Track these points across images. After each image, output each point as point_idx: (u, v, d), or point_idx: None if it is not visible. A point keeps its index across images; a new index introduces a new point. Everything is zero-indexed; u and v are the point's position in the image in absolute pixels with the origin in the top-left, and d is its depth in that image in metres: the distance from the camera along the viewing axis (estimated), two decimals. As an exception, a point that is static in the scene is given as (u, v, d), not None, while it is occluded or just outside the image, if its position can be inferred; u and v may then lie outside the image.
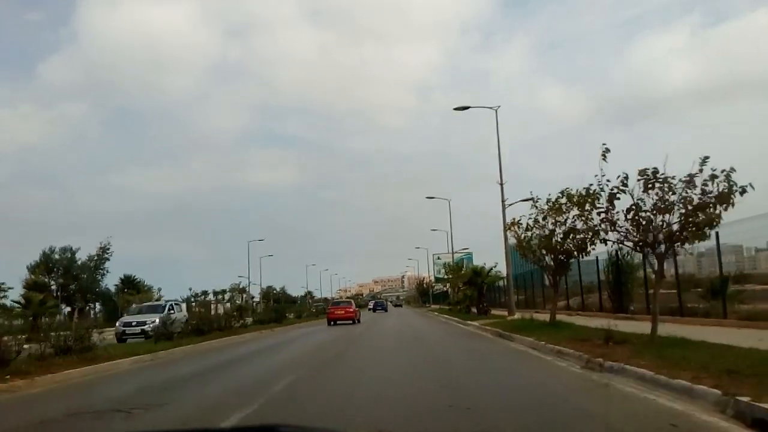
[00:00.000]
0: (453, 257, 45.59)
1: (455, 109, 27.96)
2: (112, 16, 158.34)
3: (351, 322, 33.30)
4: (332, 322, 33.17)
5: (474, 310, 29.30)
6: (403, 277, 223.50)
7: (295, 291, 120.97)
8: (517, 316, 23.85)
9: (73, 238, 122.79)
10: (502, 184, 25.68)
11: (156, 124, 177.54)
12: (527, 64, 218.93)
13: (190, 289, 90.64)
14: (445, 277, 50.86)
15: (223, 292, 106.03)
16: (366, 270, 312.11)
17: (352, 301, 40.76)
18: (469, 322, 24.63)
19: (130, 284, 65.87)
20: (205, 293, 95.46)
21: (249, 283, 67.97)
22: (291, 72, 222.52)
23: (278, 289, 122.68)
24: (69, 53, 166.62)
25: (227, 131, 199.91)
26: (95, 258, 64.87)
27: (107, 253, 65.52)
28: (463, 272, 35.69)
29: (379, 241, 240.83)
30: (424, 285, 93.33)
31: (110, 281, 66.05)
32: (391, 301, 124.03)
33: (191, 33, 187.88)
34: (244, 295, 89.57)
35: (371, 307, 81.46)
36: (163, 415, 6.68)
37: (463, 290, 32.37)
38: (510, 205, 25.10)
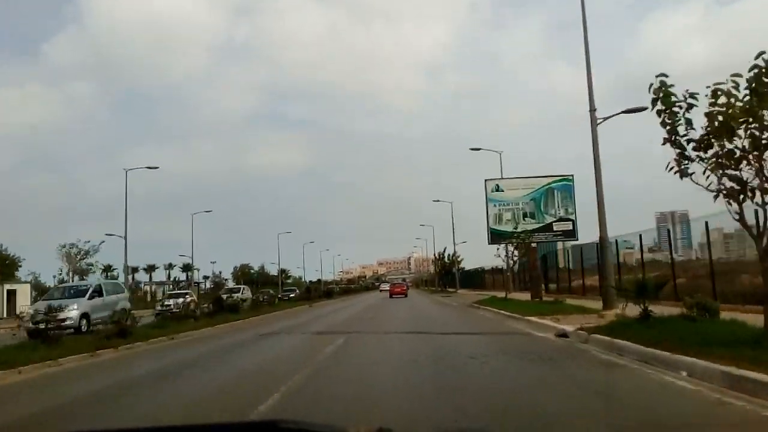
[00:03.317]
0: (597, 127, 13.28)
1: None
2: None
3: (404, 296, 46.88)
4: (392, 296, 47.39)
5: None
6: (409, 258, 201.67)
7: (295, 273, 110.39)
8: None
9: (79, 220, 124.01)
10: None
11: (163, 106, 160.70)
12: (538, 43, 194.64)
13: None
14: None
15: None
16: (370, 252, 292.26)
17: (405, 281, 65.36)
18: None
19: None
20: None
21: (125, 241, 35.45)
22: (299, 53, 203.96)
23: (256, 268, 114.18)
24: (74, 33, 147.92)
25: (235, 113, 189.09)
26: None
27: None
28: None
29: (385, 224, 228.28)
30: (446, 259, 60.46)
31: None
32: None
33: (198, 12, 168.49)
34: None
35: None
36: None
37: None
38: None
